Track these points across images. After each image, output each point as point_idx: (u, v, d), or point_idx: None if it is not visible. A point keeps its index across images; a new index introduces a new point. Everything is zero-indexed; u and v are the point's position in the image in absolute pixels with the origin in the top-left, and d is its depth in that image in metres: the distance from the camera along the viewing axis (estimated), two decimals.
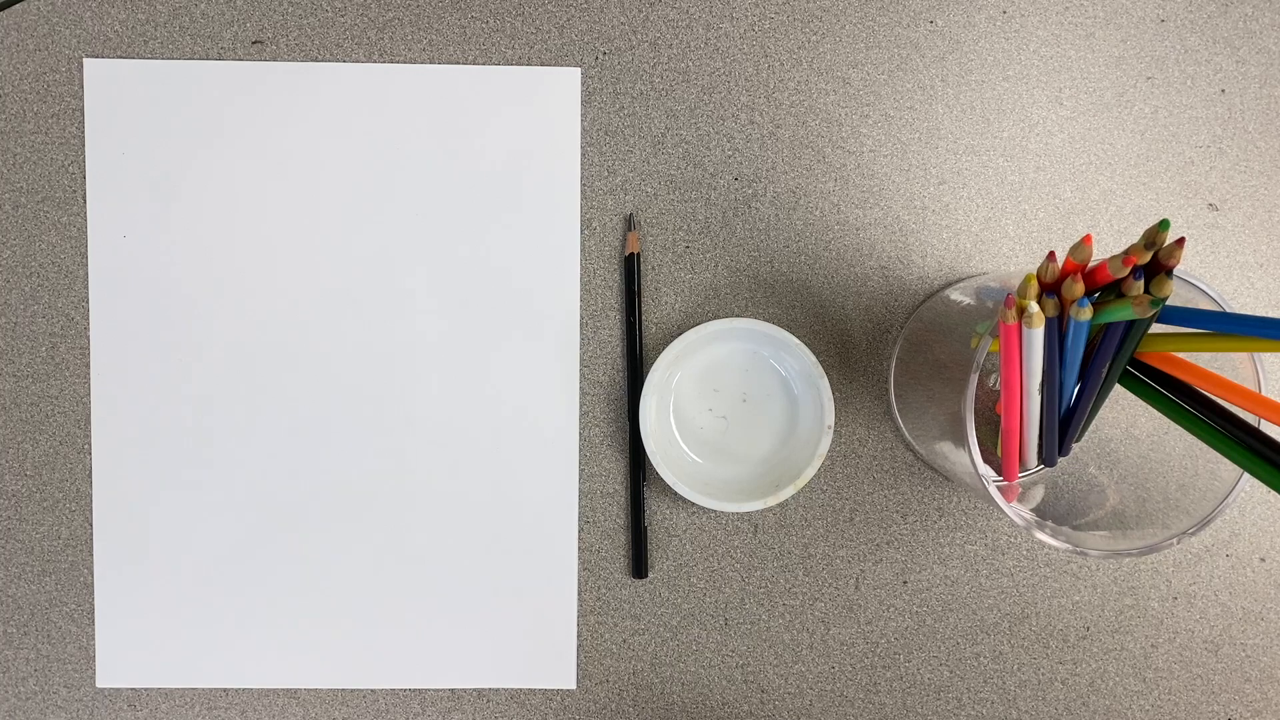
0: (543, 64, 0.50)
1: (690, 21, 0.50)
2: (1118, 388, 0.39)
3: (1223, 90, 0.51)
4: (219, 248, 0.51)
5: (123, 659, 0.51)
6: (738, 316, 0.50)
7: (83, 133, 0.50)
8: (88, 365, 0.51)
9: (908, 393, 0.49)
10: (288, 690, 0.52)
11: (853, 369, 0.51)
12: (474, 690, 0.52)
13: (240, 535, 0.51)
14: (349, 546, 0.51)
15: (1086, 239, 0.34)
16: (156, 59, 0.50)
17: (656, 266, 0.51)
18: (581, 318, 0.51)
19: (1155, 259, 0.33)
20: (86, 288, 0.51)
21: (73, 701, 0.52)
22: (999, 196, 0.51)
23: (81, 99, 0.50)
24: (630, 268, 0.50)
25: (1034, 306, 0.34)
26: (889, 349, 0.51)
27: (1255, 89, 0.51)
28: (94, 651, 0.51)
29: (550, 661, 0.51)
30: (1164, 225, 0.32)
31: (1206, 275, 0.51)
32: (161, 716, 0.52)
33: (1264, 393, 0.37)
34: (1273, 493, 0.51)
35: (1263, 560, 0.51)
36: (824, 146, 0.51)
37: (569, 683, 0.51)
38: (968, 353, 0.39)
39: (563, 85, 0.50)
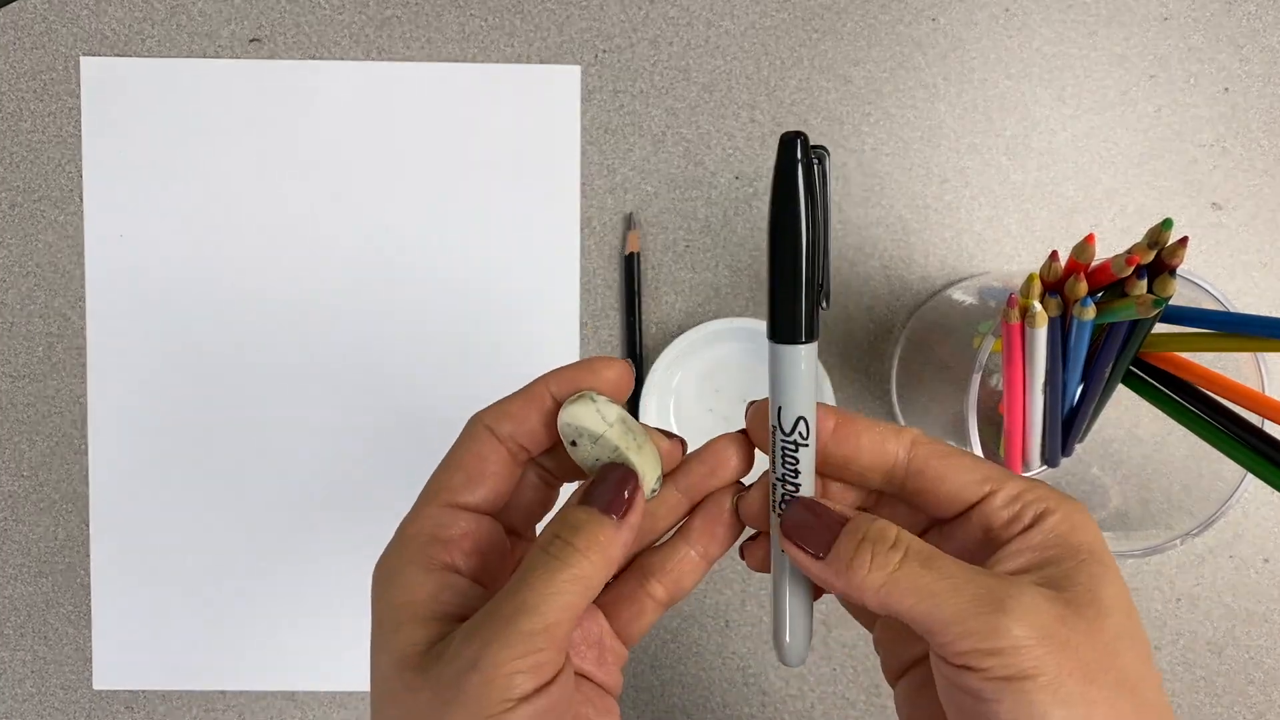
0: (542, 62, 0.50)
1: (690, 19, 0.50)
2: (1121, 388, 0.39)
3: (1226, 89, 0.50)
4: (216, 247, 0.50)
5: (120, 661, 0.51)
6: (738, 316, 0.50)
7: (80, 131, 0.50)
8: (84, 365, 0.50)
9: (910, 393, 0.49)
10: (285, 693, 0.51)
11: (854, 369, 0.51)
12: None
13: (238, 537, 0.51)
14: (348, 548, 0.51)
15: (1089, 238, 0.33)
16: (154, 57, 0.50)
17: (656, 266, 0.51)
18: (581, 318, 0.51)
19: (1158, 258, 0.33)
20: (83, 287, 0.50)
21: (70, 704, 0.51)
22: (1001, 195, 0.50)
23: (78, 97, 0.50)
24: (630, 267, 0.50)
25: (1037, 306, 0.34)
26: (891, 349, 0.51)
27: (1259, 87, 0.50)
28: (91, 653, 0.51)
29: None
30: (1167, 224, 0.32)
31: (1210, 275, 0.51)
32: (159, 719, 0.51)
33: (1267, 393, 0.37)
34: (1276, 493, 0.50)
35: (1266, 561, 0.51)
36: (825, 145, 0.50)
37: None
38: (970, 352, 0.38)
39: (562, 83, 0.50)
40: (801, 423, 0.26)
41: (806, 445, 0.26)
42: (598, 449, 0.26)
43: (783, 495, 0.27)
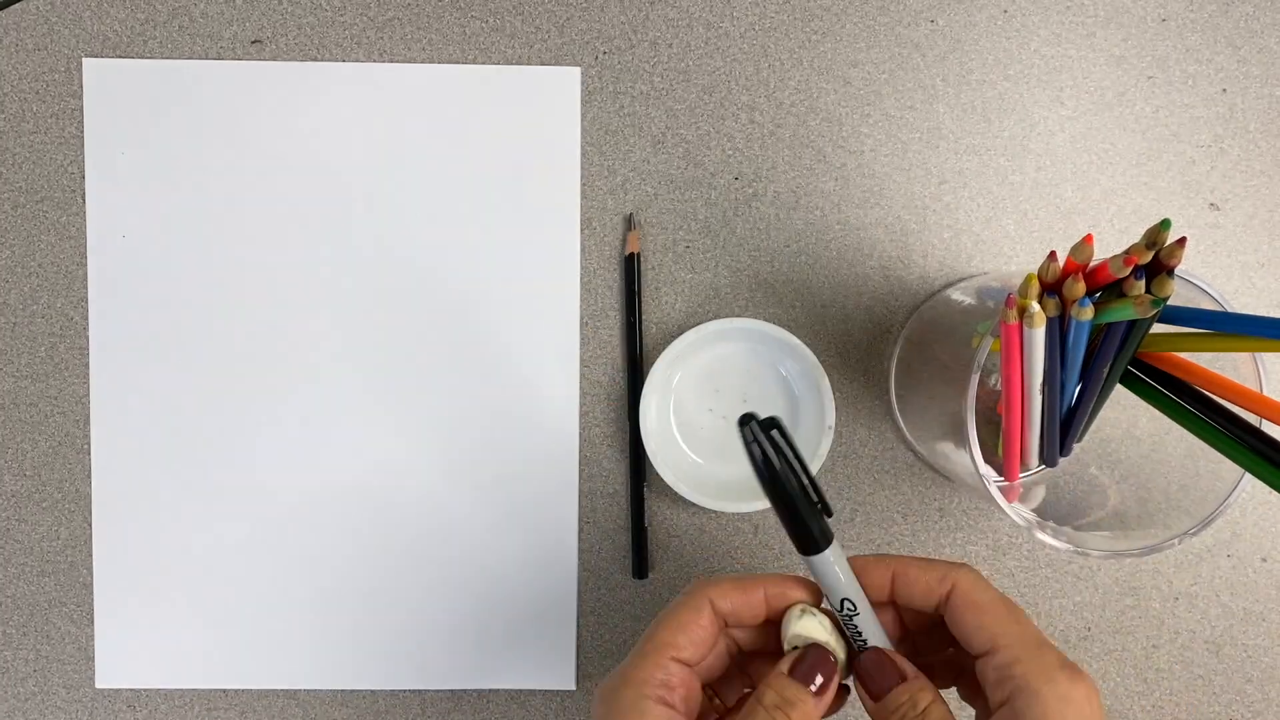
0: (543, 63, 0.50)
1: (690, 21, 0.50)
2: (1119, 388, 0.39)
3: (1224, 89, 0.50)
4: (218, 247, 0.50)
5: (122, 660, 0.51)
6: (738, 316, 0.50)
7: (82, 132, 0.50)
8: (87, 365, 0.51)
9: (908, 393, 0.49)
10: (287, 691, 0.51)
11: (853, 369, 0.51)
12: (474, 691, 0.52)
13: (239, 535, 0.51)
14: (349, 546, 0.51)
15: (1087, 238, 0.34)
16: (156, 58, 0.50)
17: (656, 266, 0.51)
18: (581, 318, 0.51)
19: (1156, 258, 0.33)
20: (85, 287, 0.51)
21: (72, 702, 0.51)
22: (1000, 196, 0.51)
23: (81, 99, 0.50)
24: (630, 268, 0.50)
25: (1035, 306, 0.34)
26: (890, 349, 0.51)
27: (1256, 88, 0.50)
28: (93, 652, 0.51)
29: (550, 662, 0.51)
30: (1165, 225, 0.32)
31: (1208, 275, 0.51)
32: (160, 717, 0.51)
33: (1265, 393, 0.37)
34: (1274, 493, 0.51)
35: (1264, 560, 0.51)
36: (824, 146, 0.51)
37: (569, 683, 0.51)
38: (969, 353, 0.38)
39: (563, 85, 0.50)
40: (846, 603, 0.33)
41: (858, 614, 0.33)
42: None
43: (859, 646, 0.34)
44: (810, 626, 0.33)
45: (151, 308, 0.51)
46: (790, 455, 0.31)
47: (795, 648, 0.33)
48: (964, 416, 0.37)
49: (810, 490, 0.32)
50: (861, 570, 0.33)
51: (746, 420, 0.31)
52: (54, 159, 0.50)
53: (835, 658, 0.33)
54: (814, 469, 0.48)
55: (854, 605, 0.33)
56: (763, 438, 0.31)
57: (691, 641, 0.32)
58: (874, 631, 0.33)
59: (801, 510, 0.31)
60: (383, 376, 0.51)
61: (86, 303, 0.51)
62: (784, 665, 0.32)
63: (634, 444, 0.50)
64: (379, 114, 0.50)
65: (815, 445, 0.49)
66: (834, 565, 0.32)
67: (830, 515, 0.32)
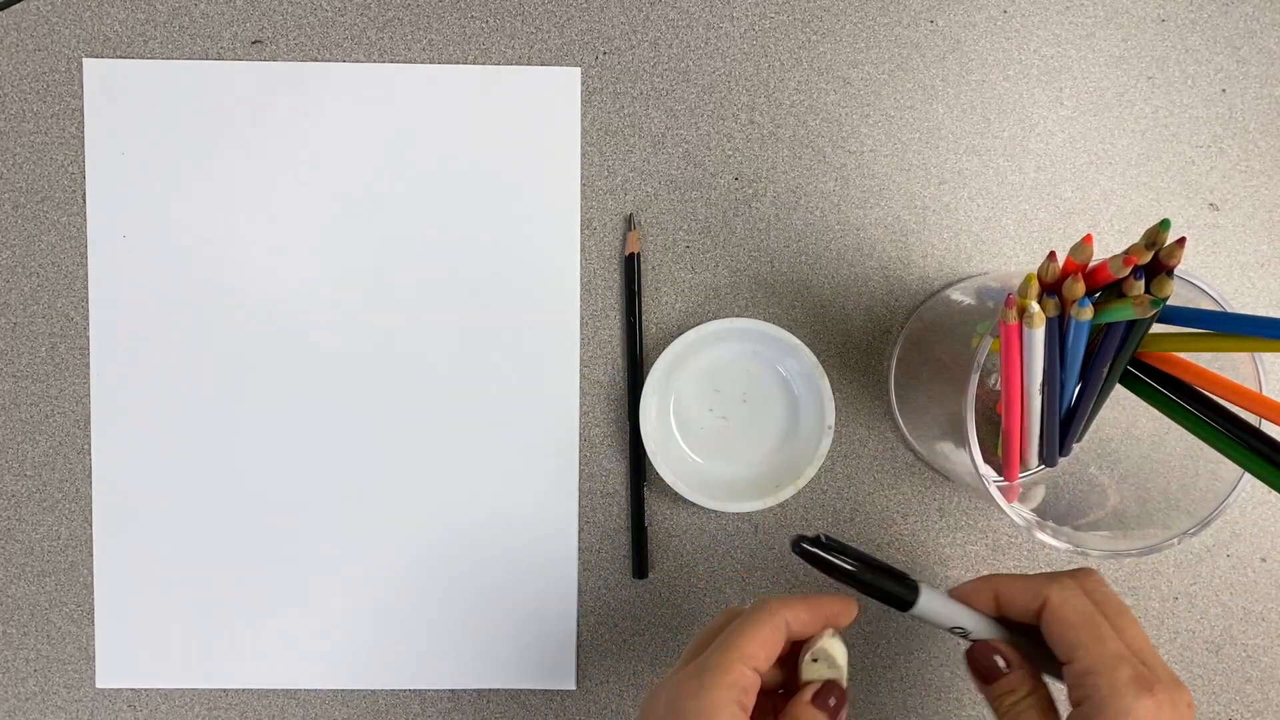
0: (543, 64, 0.50)
1: (690, 21, 0.50)
2: (1118, 388, 0.39)
3: (1223, 90, 0.51)
4: (218, 248, 0.51)
5: (122, 659, 0.51)
6: (738, 316, 0.50)
7: (82, 133, 0.50)
8: (87, 366, 0.51)
9: (908, 393, 0.49)
10: (287, 691, 0.51)
11: (853, 369, 0.51)
12: (474, 691, 0.52)
13: (240, 535, 0.51)
14: (349, 547, 0.51)
15: (1087, 239, 0.34)
16: (156, 59, 0.50)
17: (656, 266, 0.51)
18: (581, 318, 0.51)
19: (1156, 259, 0.33)
20: (86, 288, 0.51)
21: (72, 702, 0.51)
22: (999, 196, 0.51)
23: (81, 99, 0.50)
24: (630, 268, 0.50)
25: (1035, 306, 0.34)
26: (889, 349, 0.51)
27: (1256, 88, 0.50)
28: (93, 652, 0.51)
29: (550, 662, 0.51)
30: (1165, 225, 0.32)
31: (1207, 275, 0.51)
32: (161, 717, 0.52)
33: (1265, 393, 0.37)
34: (1273, 493, 0.51)
35: (1263, 560, 0.51)
36: (824, 146, 0.51)
37: (569, 683, 0.51)
38: (968, 353, 0.38)
39: (563, 85, 0.50)
40: (958, 629, 0.37)
41: (968, 633, 0.37)
42: (830, 671, 0.36)
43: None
44: (837, 649, 0.37)
45: (151, 308, 0.51)
46: (850, 552, 0.35)
47: (816, 660, 0.37)
48: (964, 416, 0.37)
49: (882, 567, 0.35)
50: (968, 596, 0.37)
51: (798, 543, 0.34)
52: (54, 159, 0.50)
53: (844, 686, 0.36)
54: (814, 469, 0.48)
55: (964, 630, 0.37)
56: (820, 550, 0.35)
57: (767, 656, 0.35)
58: (987, 636, 0.37)
59: (884, 588, 0.35)
60: (383, 375, 0.51)
61: (86, 303, 0.51)
62: (807, 695, 0.36)
63: (634, 444, 0.50)
64: (379, 114, 0.50)
65: (815, 445, 0.49)
66: (929, 609, 0.36)
67: (909, 578, 0.36)
